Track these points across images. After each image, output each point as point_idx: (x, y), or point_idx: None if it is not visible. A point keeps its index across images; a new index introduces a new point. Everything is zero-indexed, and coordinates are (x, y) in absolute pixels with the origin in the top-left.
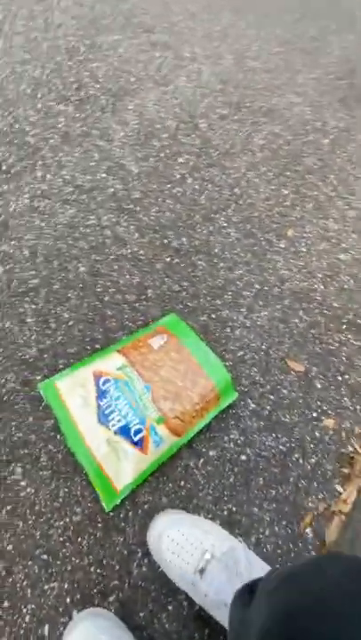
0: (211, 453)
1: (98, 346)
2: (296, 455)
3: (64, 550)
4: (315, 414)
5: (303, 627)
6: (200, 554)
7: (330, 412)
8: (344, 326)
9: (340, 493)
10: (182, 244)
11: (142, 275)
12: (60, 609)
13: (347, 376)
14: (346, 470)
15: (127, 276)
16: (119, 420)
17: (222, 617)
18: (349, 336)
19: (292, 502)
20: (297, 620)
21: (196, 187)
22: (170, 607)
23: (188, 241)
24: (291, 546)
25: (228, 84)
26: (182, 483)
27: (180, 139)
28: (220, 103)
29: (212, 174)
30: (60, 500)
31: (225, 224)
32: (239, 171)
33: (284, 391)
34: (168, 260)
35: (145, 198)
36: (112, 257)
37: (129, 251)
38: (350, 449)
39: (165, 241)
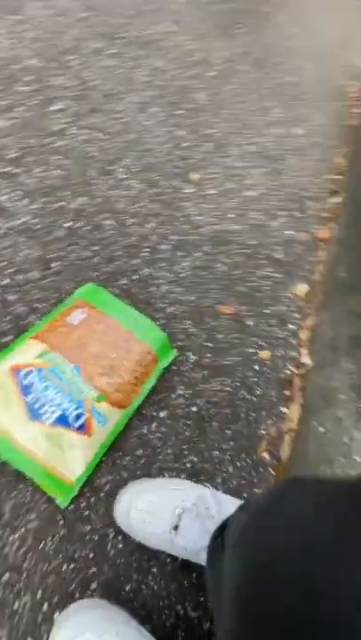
0: (162, 415)
1: (8, 338)
2: (242, 392)
3: (26, 563)
4: (251, 350)
5: (274, 576)
6: (171, 512)
7: (264, 344)
8: (264, 262)
9: (286, 414)
10: (82, 205)
11: (42, 246)
12: (39, 618)
13: (274, 308)
14: (287, 392)
15: (24, 251)
16: (53, 412)
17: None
18: (269, 270)
19: (247, 435)
20: (267, 571)
21: (84, 137)
22: (154, 569)
23: (87, 200)
24: (253, 473)
25: (94, 11)
26: (140, 452)
27: (51, 81)
28: (89, 34)
29: (99, 121)
30: (8, 513)
31: (124, 175)
32: (128, 114)
33: (220, 336)
34: (69, 224)
35: (24, 157)
36: (0, 232)
37: (19, 221)
38: (287, 372)
39: (61, 204)
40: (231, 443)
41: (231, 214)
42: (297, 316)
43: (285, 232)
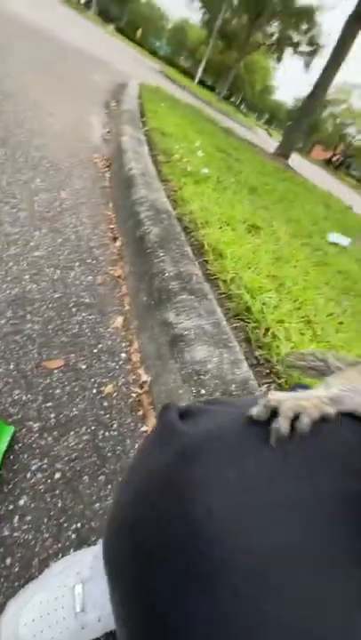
0: (21, 503)
1: None
2: (100, 433)
3: None
4: (94, 391)
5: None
6: (70, 597)
7: (104, 380)
8: (75, 309)
9: (147, 430)
10: None
11: None
12: None
13: (100, 345)
14: (140, 412)
15: None
16: None
17: None
18: (83, 314)
19: (122, 468)
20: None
21: None
22: None
23: None
24: None
25: None
26: (8, 560)
27: None
28: None
29: None
30: None
31: None
32: None
33: (58, 391)
34: None
35: None
36: None
37: None
38: (134, 395)
39: None
40: (109, 486)
41: (26, 275)
42: (123, 344)
43: (85, 278)
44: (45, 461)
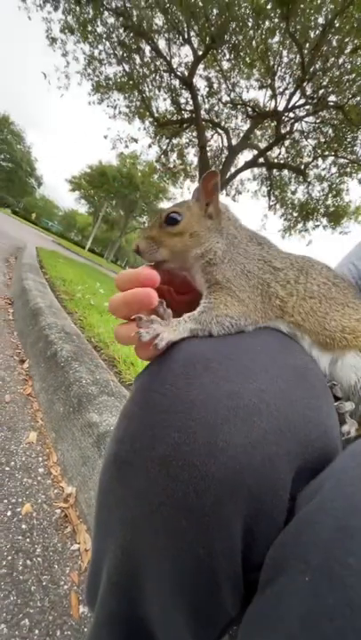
0: None
1: None
2: (21, 562)
3: None
4: (9, 513)
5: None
6: None
7: (20, 499)
8: None
9: (78, 549)
10: None
11: None
12: None
13: (13, 462)
14: (68, 528)
15: None
16: None
17: None
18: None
19: (51, 605)
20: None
21: None
22: None
23: None
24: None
25: None
26: None
27: None
28: None
29: None
30: None
31: None
32: None
33: None
34: None
35: None
36: None
37: None
38: (58, 510)
39: None
40: (36, 631)
41: None
42: (40, 458)
43: None
44: None
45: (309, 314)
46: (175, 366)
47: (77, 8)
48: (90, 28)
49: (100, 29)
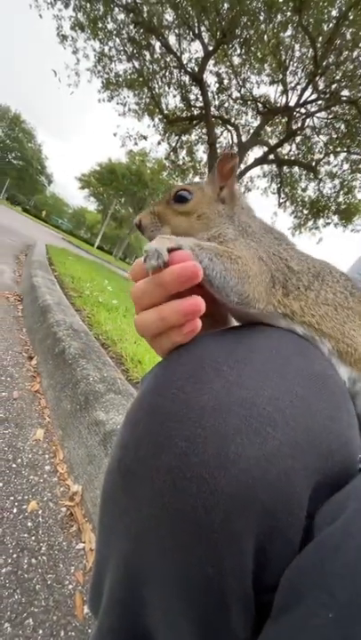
0: None
1: None
2: (26, 560)
3: None
4: (15, 510)
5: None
6: None
7: (26, 497)
8: None
9: (83, 548)
10: None
11: None
12: None
13: (19, 459)
14: (73, 527)
15: None
16: None
17: None
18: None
19: (56, 604)
20: None
21: None
22: None
23: None
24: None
25: None
26: None
27: None
28: None
29: None
30: None
31: None
32: None
33: None
34: None
35: None
36: None
37: None
38: (64, 509)
39: None
40: (40, 631)
41: None
42: (46, 456)
43: (0, 394)
44: None
45: (324, 318)
46: (184, 369)
47: (88, 5)
48: (100, 25)
49: (110, 26)
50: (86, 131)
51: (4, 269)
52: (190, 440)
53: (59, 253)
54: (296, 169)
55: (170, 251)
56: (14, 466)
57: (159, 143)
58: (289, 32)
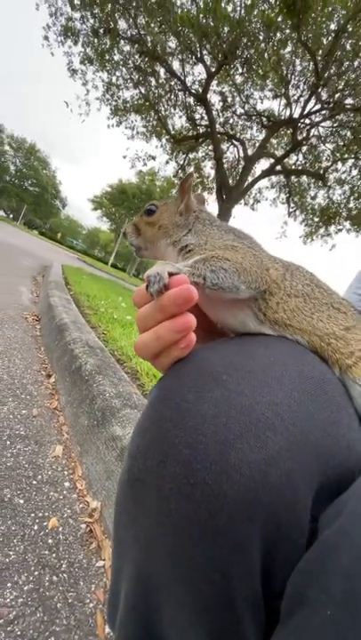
0: None
1: None
2: (47, 578)
3: None
4: (35, 527)
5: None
6: None
7: (47, 514)
8: (8, 441)
9: (103, 565)
10: None
11: None
12: None
13: (40, 476)
14: (93, 544)
15: None
16: None
17: None
18: (18, 446)
19: (77, 623)
20: None
21: None
22: None
23: None
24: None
25: None
26: None
27: None
28: None
29: None
30: None
31: None
32: None
33: None
34: None
35: None
36: None
37: None
38: (83, 525)
39: None
40: None
41: None
42: (65, 472)
43: (20, 412)
44: None
45: (295, 312)
46: (186, 380)
47: (95, 40)
48: (107, 57)
49: (116, 57)
50: (97, 154)
51: (23, 291)
52: (193, 447)
53: (74, 273)
54: (304, 178)
55: (170, 275)
56: (35, 482)
57: (167, 162)
58: (289, 48)
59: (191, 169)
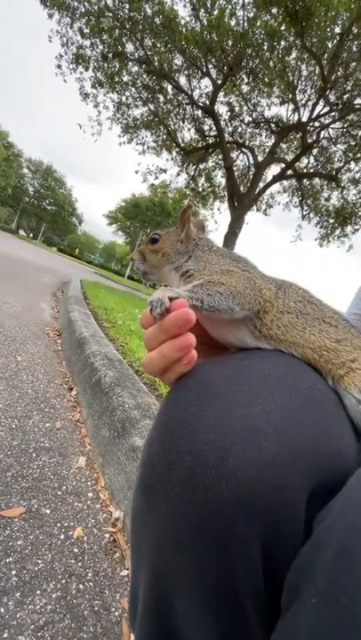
0: None
1: None
2: (74, 586)
3: None
4: (62, 537)
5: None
6: None
7: (72, 523)
8: (34, 454)
9: (127, 574)
10: None
11: None
12: None
13: (64, 487)
14: (117, 553)
15: None
16: None
17: None
18: (44, 458)
19: (104, 631)
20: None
21: None
22: None
23: None
24: None
25: None
26: None
27: None
28: None
29: None
30: None
31: None
32: None
33: (20, 542)
34: None
35: None
36: None
37: None
38: (107, 535)
39: None
40: None
41: None
42: (89, 483)
43: (44, 425)
44: (5, 635)
45: (288, 327)
46: (189, 394)
47: (105, 64)
48: (117, 79)
49: (125, 78)
50: (111, 171)
51: (44, 307)
52: (195, 454)
53: (92, 287)
54: (316, 180)
55: (171, 299)
56: (60, 493)
57: (178, 174)
58: (294, 55)
59: (202, 180)
